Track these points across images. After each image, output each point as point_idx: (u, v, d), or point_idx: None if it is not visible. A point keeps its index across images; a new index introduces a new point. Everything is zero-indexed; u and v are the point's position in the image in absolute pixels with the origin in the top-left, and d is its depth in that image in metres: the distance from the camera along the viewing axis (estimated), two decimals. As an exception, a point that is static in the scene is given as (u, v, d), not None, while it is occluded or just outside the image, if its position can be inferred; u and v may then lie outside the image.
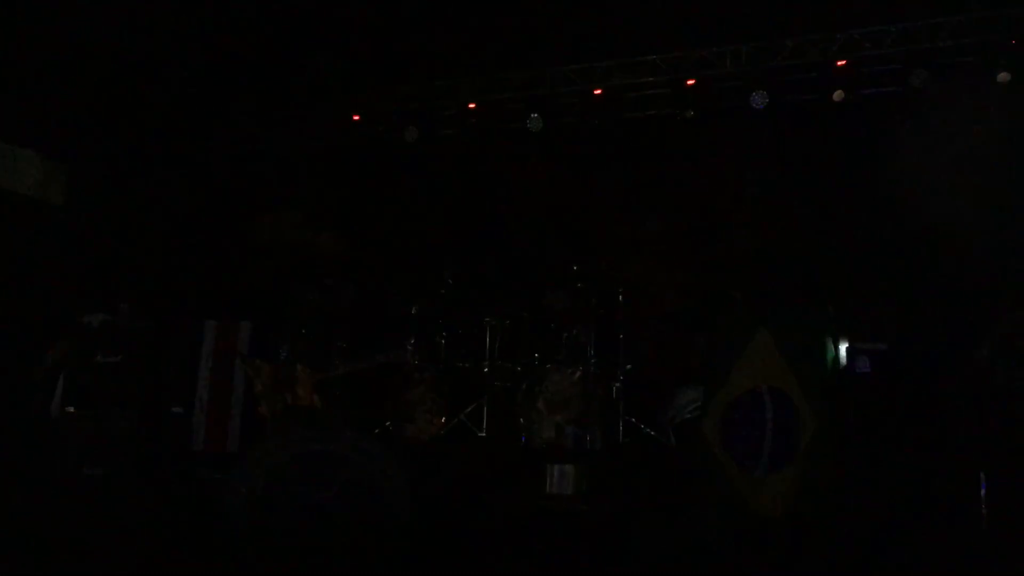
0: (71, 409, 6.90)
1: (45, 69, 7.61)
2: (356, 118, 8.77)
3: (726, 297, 7.04)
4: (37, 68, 7.58)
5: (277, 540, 4.47)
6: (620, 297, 7.07)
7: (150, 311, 7.22)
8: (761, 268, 7.23)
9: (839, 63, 7.54)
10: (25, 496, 6.12)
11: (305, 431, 4.63)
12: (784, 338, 5.41)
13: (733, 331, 5.70)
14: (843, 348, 5.72)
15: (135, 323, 7.12)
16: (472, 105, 8.56)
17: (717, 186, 7.93)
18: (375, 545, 4.31)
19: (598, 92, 8.20)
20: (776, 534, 5.02)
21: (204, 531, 4.93)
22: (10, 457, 6.61)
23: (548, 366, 6.94)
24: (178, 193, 8.46)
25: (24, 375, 7.05)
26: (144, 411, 6.81)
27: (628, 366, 7.02)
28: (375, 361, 5.75)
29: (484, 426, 7.13)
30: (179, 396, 6.87)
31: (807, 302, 6.29)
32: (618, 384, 6.97)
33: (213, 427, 6.90)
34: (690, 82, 7.88)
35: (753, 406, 5.36)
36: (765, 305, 6.42)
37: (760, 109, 7.63)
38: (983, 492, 4.98)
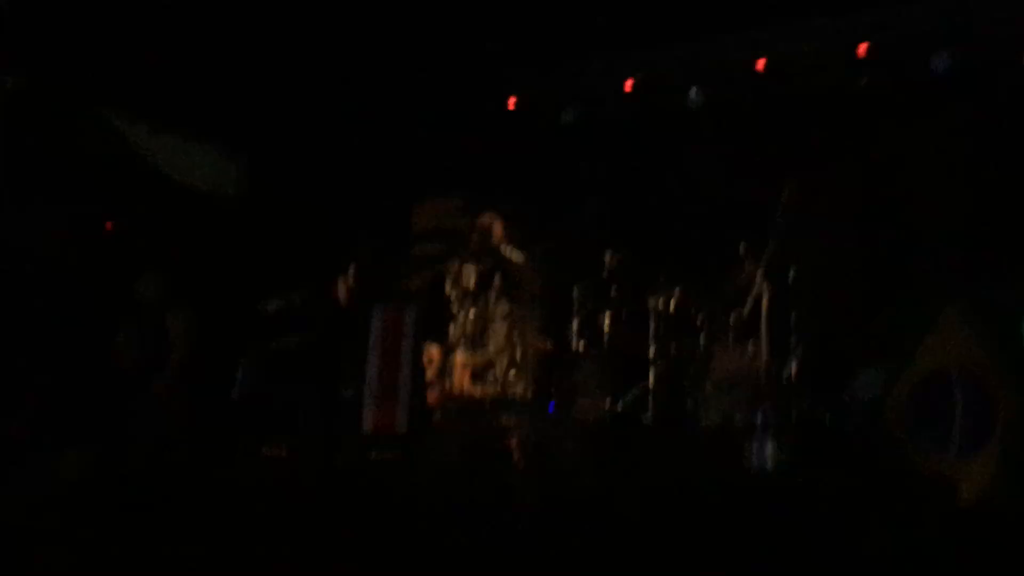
0: (250, 391, 7.26)
1: (219, 67, 7.97)
2: (513, 100, 8.77)
3: (906, 273, 6.68)
4: (212, 67, 7.95)
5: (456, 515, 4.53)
6: (792, 275, 6.76)
7: (322, 297, 7.48)
8: (946, 243, 6.76)
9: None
10: (209, 474, 6.48)
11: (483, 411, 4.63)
12: (976, 317, 5.10)
13: (917, 309, 5.44)
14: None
15: (308, 309, 7.40)
16: (630, 82, 8.38)
17: (896, 158, 7.45)
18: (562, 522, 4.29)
19: (762, 62, 7.87)
20: (972, 523, 4.74)
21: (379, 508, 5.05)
22: (196, 438, 7.00)
23: (715, 347, 6.76)
24: (343, 184, 8.69)
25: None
26: (318, 394, 7.07)
27: (801, 346, 6.73)
28: (527, 343, 5.69)
29: (650, 409, 7.02)
30: (350, 379, 7.07)
31: (1003, 279, 5.89)
32: (791, 365, 6.71)
33: (381, 410, 7.05)
34: (863, 46, 7.42)
35: (941, 388, 5.06)
36: (953, 282, 6.06)
37: (941, 74, 7.12)
38: None
